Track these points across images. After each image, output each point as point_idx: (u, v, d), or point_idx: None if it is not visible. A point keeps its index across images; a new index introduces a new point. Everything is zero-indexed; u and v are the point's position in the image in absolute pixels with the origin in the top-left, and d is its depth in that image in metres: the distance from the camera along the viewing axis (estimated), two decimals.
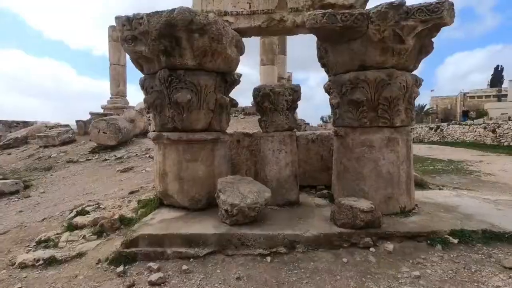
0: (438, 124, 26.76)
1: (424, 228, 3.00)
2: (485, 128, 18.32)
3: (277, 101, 3.61)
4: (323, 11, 3.19)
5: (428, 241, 2.84)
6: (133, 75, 20.09)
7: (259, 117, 3.93)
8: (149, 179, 6.68)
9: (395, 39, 3.24)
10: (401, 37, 3.21)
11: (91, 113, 15.22)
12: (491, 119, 22.37)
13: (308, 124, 16.21)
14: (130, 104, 18.80)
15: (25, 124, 15.35)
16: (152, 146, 10.10)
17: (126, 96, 19.74)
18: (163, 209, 3.71)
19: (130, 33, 3.15)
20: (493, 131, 17.37)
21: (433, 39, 3.45)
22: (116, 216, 3.53)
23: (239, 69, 3.83)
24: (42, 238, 3.24)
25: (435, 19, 3.08)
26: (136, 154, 8.95)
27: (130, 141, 10.77)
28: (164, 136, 3.47)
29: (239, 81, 3.82)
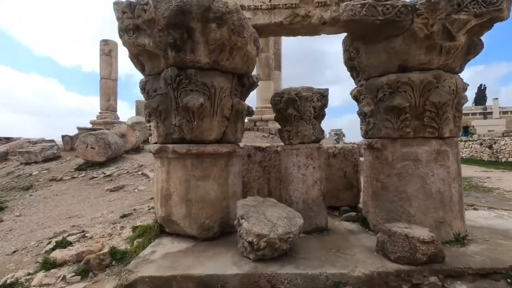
0: None
1: (497, 262, 2.42)
2: (481, 144, 18.27)
3: (303, 107, 3.06)
4: (362, 1, 2.72)
5: (509, 280, 2.25)
6: (124, 91, 19.46)
7: (279, 127, 3.36)
8: (142, 199, 5.93)
9: (443, 35, 2.78)
10: (450, 33, 2.75)
11: (78, 128, 14.38)
12: (478, 135, 22.46)
13: None
14: (121, 119, 18.07)
15: (8, 140, 14.35)
16: (145, 162, 9.36)
17: (116, 111, 19.04)
18: (165, 238, 3.02)
19: (132, 22, 2.58)
20: (490, 147, 17.30)
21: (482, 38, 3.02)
22: (106, 249, 2.82)
23: None
24: (8, 281, 2.50)
25: (492, 12, 2.65)
26: (128, 172, 8.19)
27: (120, 157, 10.01)
28: (169, 148, 2.85)
29: (257, 84, 3.27)
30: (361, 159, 4.18)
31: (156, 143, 3.07)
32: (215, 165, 2.94)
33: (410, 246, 2.32)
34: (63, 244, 3.13)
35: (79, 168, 8.83)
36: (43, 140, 11.92)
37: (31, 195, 6.95)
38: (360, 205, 4.30)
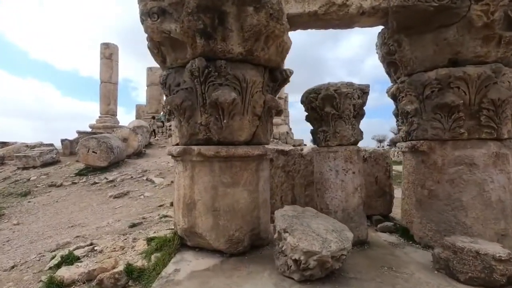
0: None
1: None
2: None
3: (343, 105, 2.74)
4: None
5: None
6: (121, 96, 19.14)
7: (312, 128, 3.03)
8: (150, 206, 5.55)
9: (504, 24, 2.48)
10: (511, 22, 2.46)
11: (78, 132, 13.99)
12: None
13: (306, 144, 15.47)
14: (121, 124, 17.70)
15: (4, 144, 13.89)
16: (149, 167, 8.95)
17: (116, 115, 18.67)
18: (187, 253, 2.65)
19: (157, 5, 2.25)
20: None
21: None
22: (121, 266, 2.45)
23: None
24: None
25: None
26: (131, 177, 7.80)
27: (122, 162, 9.62)
28: (194, 150, 2.50)
29: (289, 80, 2.94)
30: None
31: (177, 144, 2.72)
32: (246, 170, 2.59)
33: (483, 265, 1.98)
34: (70, 259, 2.75)
35: (80, 173, 8.42)
36: (41, 144, 11.50)
37: (29, 201, 6.53)
38: (392, 214, 3.97)
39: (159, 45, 2.53)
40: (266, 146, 3.02)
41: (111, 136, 9.73)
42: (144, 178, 7.66)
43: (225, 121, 2.44)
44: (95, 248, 2.98)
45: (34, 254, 3.50)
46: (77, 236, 4.01)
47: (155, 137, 14.00)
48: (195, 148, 2.50)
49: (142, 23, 2.39)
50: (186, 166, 2.62)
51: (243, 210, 2.57)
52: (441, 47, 2.67)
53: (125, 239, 3.27)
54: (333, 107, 2.75)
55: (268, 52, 2.50)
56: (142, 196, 6.29)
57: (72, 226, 4.77)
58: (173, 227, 3.66)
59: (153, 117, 18.46)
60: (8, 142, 14.38)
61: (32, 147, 11.18)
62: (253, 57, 2.46)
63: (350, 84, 2.75)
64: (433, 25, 2.64)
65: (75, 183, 7.74)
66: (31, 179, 8.17)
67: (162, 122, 18.39)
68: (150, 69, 19.13)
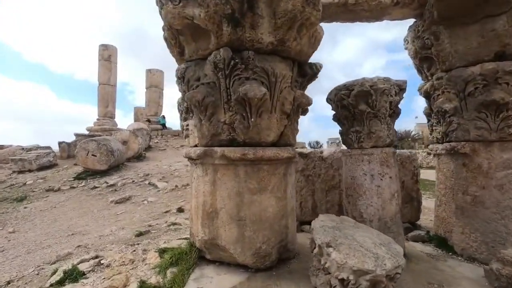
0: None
1: None
2: None
3: (379, 103, 2.48)
4: None
5: None
6: (118, 98, 18.80)
7: (340, 128, 2.77)
8: (154, 212, 5.24)
9: None
10: None
11: (76, 134, 13.62)
12: None
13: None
14: (119, 127, 17.35)
15: None
16: (151, 170, 8.60)
17: (114, 117, 18.32)
18: (207, 267, 2.36)
19: None
20: None
21: None
22: (133, 285, 2.15)
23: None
24: None
25: None
26: (133, 181, 7.47)
27: (122, 165, 9.29)
28: (217, 152, 2.22)
29: (317, 76, 2.68)
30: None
31: (196, 145, 2.44)
32: (273, 175, 2.31)
33: None
34: (74, 275, 2.44)
35: (79, 177, 8.08)
36: (38, 147, 11.14)
37: (25, 207, 6.18)
38: (419, 222, 3.71)
39: (178, 34, 2.26)
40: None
41: (111, 138, 9.41)
42: (146, 182, 7.34)
43: (252, 119, 2.17)
44: (102, 262, 2.68)
45: (32, 267, 3.19)
46: (79, 246, 3.70)
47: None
48: (218, 149, 2.22)
49: (161, 9, 2.11)
50: (207, 170, 2.33)
51: (271, 220, 2.29)
52: (488, 39, 2.43)
53: (134, 250, 2.96)
54: (368, 105, 2.49)
55: (300, 42, 2.24)
56: (145, 202, 5.98)
57: (72, 234, 4.45)
58: (184, 236, 3.38)
59: (148, 120, 18.12)
60: (3, 145, 13.96)
61: (28, 150, 10.81)
62: (283, 48, 2.19)
63: (387, 80, 2.50)
64: (478, 15, 2.41)
65: (74, 187, 7.40)
66: (27, 183, 7.82)
67: (162, 124, 18.08)
68: (149, 71, 18.84)
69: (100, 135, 12.01)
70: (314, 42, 2.36)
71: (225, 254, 2.31)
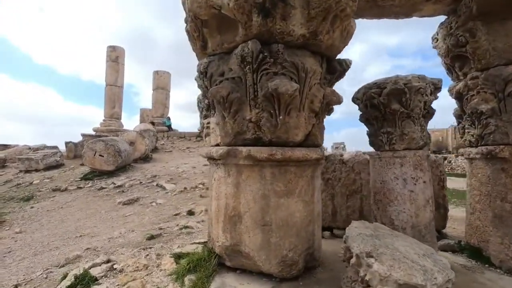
0: (445, 155, 26.14)
1: None
2: None
3: (413, 102, 2.32)
4: None
5: None
6: (125, 101, 18.79)
7: (368, 129, 2.61)
8: (164, 215, 5.09)
9: None
10: None
11: (83, 135, 13.59)
12: None
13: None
14: (125, 128, 17.32)
15: (5, 147, 13.48)
16: (158, 172, 8.46)
17: (121, 118, 18.33)
18: (227, 275, 2.21)
19: None
20: None
21: None
22: None
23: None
24: None
25: None
26: (140, 182, 7.35)
27: (129, 166, 9.19)
28: (242, 152, 2.07)
29: (345, 74, 2.53)
30: None
31: (217, 144, 2.30)
32: (301, 177, 2.16)
33: None
34: (86, 280, 2.30)
35: (86, 177, 7.98)
36: (45, 147, 11.09)
37: (32, 207, 6.08)
38: (445, 230, 3.52)
39: (202, 27, 2.13)
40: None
41: (119, 139, 9.32)
42: (154, 184, 7.21)
43: (280, 117, 2.03)
44: (115, 266, 2.53)
45: (40, 270, 3.05)
46: (88, 249, 3.56)
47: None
48: (243, 149, 2.08)
49: None
50: (230, 171, 2.19)
51: (298, 225, 2.13)
52: None
53: (147, 255, 2.81)
54: (401, 104, 2.34)
55: (332, 36, 2.10)
56: (154, 203, 5.84)
57: (80, 236, 4.32)
58: (198, 241, 3.22)
59: (152, 123, 18.05)
60: (9, 145, 13.98)
61: (35, 149, 10.77)
62: (315, 41, 2.05)
63: (422, 77, 2.34)
64: None
65: (81, 187, 7.29)
66: (34, 182, 7.73)
67: (168, 126, 18.01)
68: (156, 73, 18.84)
69: (106, 136, 11.96)
70: (346, 36, 2.21)
71: (247, 262, 2.15)
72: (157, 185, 7.12)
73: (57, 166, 9.50)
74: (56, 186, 7.35)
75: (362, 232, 1.83)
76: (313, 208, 2.25)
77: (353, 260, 1.74)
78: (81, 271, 2.43)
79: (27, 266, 3.33)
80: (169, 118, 18.51)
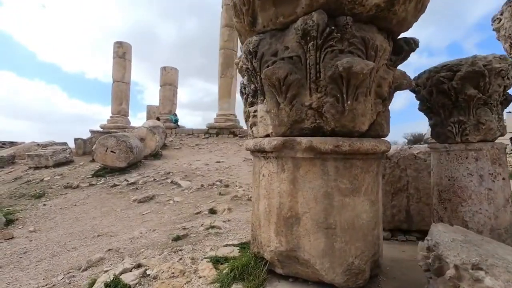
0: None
1: None
2: None
3: (492, 87, 2.01)
4: None
5: None
6: (130, 97, 18.58)
7: (432, 119, 2.31)
8: (184, 214, 4.82)
9: None
10: None
11: (91, 131, 13.41)
12: None
13: None
14: (132, 124, 17.12)
15: (12, 144, 13.33)
16: (171, 168, 8.15)
17: (128, 115, 18.14)
18: (279, 284, 1.93)
19: None
20: None
21: None
22: None
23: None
24: None
25: None
26: (154, 179, 7.10)
27: (140, 163, 8.95)
28: (301, 143, 1.78)
29: (409, 55, 2.23)
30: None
31: (267, 135, 2.01)
32: (367, 172, 1.87)
33: None
34: (117, 286, 2.03)
35: (97, 174, 7.76)
36: (54, 143, 10.90)
37: (44, 204, 5.85)
38: None
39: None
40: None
41: (130, 135, 9.09)
42: (169, 181, 6.95)
43: (349, 102, 1.73)
44: (147, 272, 2.27)
45: (61, 274, 2.80)
46: (109, 250, 3.30)
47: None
48: (303, 140, 1.79)
49: None
50: (284, 165, 1.90)
51: (364, 228, 1.84)
52: None
53: (180, 258, 2.54)
54: (478, 89, 2.03)
55: (407, 8, 1.79)
56: (171, 201, 5.58)
57: (98, 236, 4.07)
58: (231, 243, 2.95)
59: (158, 119, 17.80)
60: (16, 142, 13.83)
61: (44, 146, 10.58)
62: (387, 14, 1.75)
63: (503, 58, 2.03)
64: None
65: (93, 184, 7.07)
66: (44, 179, 7.52)
67: (175, 122, 17.76)
68: (164, 69, 18.58)
69: (115, 132, 11.74)
70: (421, 8, 1.90)
71: (305, 270, 1.87)
72: (171, 182, 6.86)
73: (67, 162, 9.30)
74: (68, 183, 7.13)
75: (455, 238, 1.54)
76: (378, 209, 1.97)
77: (450, 272, 1.44)
78: (111, 278, 2.17)
79: (45, 268, 3.08)
80: (175, 115, 18.27)
